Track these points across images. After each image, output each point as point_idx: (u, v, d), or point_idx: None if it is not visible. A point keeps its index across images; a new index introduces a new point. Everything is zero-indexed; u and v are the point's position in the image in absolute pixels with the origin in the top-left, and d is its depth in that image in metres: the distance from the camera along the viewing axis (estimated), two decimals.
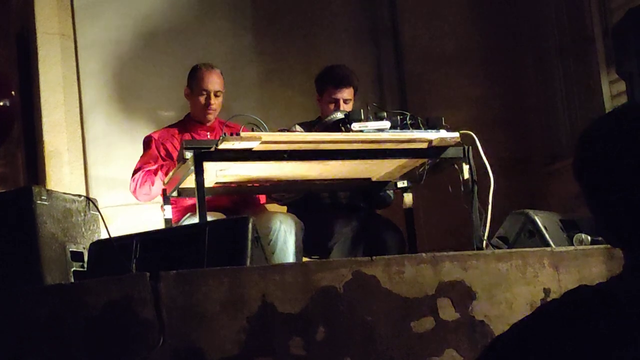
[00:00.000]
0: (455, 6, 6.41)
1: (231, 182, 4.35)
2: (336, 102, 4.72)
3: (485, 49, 6.34)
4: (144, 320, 2.97)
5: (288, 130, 4.58)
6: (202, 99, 4.69)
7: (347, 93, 4.76)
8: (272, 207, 4.93)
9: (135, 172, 4.61)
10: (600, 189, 1.39)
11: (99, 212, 3.75)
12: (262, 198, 4.89)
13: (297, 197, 4.77)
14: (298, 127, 4.71)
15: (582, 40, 5.99)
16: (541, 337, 1.31)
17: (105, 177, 5.94)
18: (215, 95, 4.70)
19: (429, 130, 4.05)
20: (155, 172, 4.49)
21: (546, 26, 6.28)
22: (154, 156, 4.64)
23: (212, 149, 3.80)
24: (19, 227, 3.40)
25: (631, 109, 1.46)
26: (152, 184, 4.47)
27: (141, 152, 4.76)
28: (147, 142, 4.74)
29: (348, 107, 4.67)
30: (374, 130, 4.00)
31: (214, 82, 4.70)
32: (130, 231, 3.63)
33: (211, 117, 4.72)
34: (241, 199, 4.73)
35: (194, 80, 4.73)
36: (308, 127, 4.63)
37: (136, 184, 4.53)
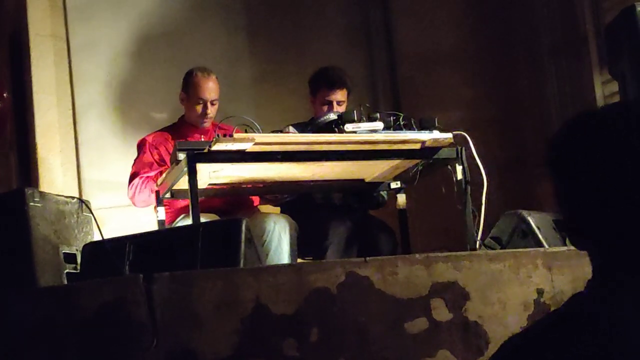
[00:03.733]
0: (448, 7, 6.41)
1: (224, 184, 4.35)
2: (329, 104, 4.72)
3: (478, 50, 6.34)
4: (138, 322, 2.97)
5: (281, 132, 4.58)
6: (198, 108, 4.68)
7: (340, 95, 4.75)
8: (266, 208, 4.92)
9: (131, 177, 4.61)
10: (573, 182, 1.36)
11: (92, 213, 3.75)
12: (256, 199, 4.88)
13: (291, 198, 4.77)
14: (291, 129, 4.71)
15: (574, 40, 6.00)
16: None
17: (98, 179, 5.93)
18: (212, 104, 4.69)
19: (422, 131, 4.05)
20: (155, 179, 4.48)
21: (539, 26, 6.29)
22: (149, 161, 4.64)
23: (205, 151, 3.80)
24: (12, 229, 3.40)
25: (617, 107, 1.44)
26: (152, 191, 4.46)
27: (134, 154, 4.75)
28: (141, 146, 4.73)
29: (341, 109, 4.66)
30: (367, 131, 4.00)
31: (210, 90, 4.68)
32: (124, 233, 3.62)
33: (207, 124, 4.71)
34: (235, 201, 4.73)
35: (190, 87, 4.71)
36: (301, 128, 4.62)
37: (134, 191, 4.53)
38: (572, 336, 1.27)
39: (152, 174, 4.53)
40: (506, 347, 1.33)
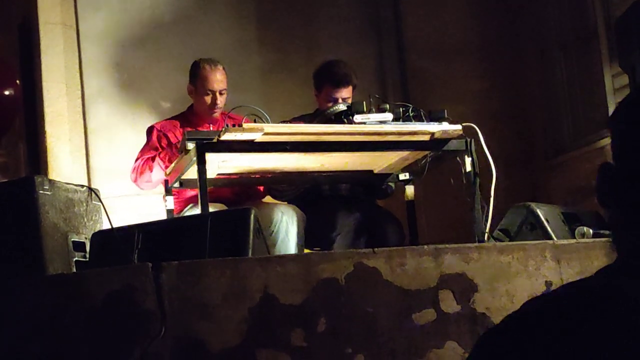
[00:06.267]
0: (458, 0, 6.42)
1: (233, 174, 4.35)
2: (334, 101, 4.68)
3: (488, 43, 6.33)
4: (146, 310, 2.97)
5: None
6: (208, 99, 4.66)
7: (345, 92, 4.71)
8: (270, 199, 4.92)
9: (135, 162, 4.61)
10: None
11: (101, 202, 3.75)
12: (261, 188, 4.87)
13: (296, 193, 4.75)
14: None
15: (584, 33, 5.99)
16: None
17: (107, 168, 5.94)
18: (221, 94, 4.68)
19: (432, 123, 4.04)
20: (153, 159, 4.48)
21: (548, 19, 6.28)
22: (154, 147, 4.64)
23: (215, 140, 3.80)
24: (22, 217, 3.40)
25: None
26: (151, 170, 4.45)
27: (143, 142, 4.76)
28: (149, 133, 4.74)
29: None
30: (376, 122, 3.99)
31: (218, 81, 4.67)
32: (132, 222, 3.63)
33: (217, 114, 4.71)
34: (243, 191, 4.73)
35: (198, 80, 4.70)
36: (306, 120, 4.60)
37: (136, 173, 4.53)
38: (596, 307, 1.24)
39: (152, 155, 4.53)
40: (527, 309, 1.29)
